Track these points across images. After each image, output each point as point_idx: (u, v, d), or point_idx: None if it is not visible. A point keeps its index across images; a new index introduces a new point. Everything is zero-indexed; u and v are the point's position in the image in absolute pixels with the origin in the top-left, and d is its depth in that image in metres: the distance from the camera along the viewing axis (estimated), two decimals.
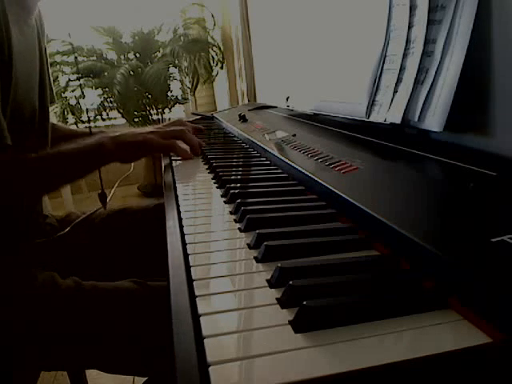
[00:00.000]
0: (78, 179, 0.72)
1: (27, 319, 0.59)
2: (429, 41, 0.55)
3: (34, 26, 0.74)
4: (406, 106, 0.57)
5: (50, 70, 0.85)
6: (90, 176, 0.71)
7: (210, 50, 2.82)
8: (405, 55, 0.60)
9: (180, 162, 0.82)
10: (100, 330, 0.60)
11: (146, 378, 0.70)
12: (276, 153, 0.71)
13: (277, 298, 0.31)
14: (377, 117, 0.64)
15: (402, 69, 0.60)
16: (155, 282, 0.66)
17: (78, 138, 0.69)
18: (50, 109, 0.82)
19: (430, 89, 0.54)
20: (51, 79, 0.85)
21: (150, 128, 0.77)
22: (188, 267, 0.37)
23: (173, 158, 0.85)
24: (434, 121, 0.52)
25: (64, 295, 0.62)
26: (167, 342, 0.28)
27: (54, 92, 0.89)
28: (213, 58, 2.83)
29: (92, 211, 0.88)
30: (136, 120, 2.76)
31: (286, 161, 0.65)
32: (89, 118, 2.64)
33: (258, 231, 0.41)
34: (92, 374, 1.24)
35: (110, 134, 0.70)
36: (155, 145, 0.72)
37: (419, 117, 0.55)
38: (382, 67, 0.65)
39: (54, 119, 2.56)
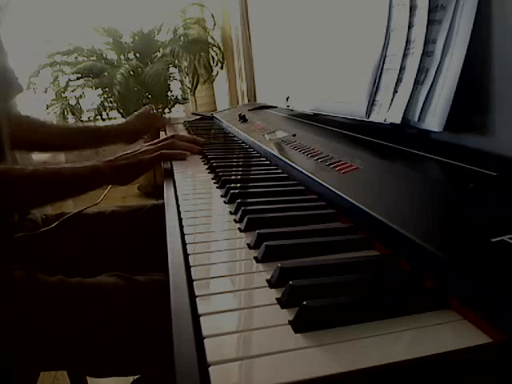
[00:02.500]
0: (68, 198, 0.73)
1: (7, 319, 0.58)
2: (429, 41, 0.55)
3: None
4: (406, 106, 0.57)
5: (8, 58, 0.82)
6: None
7: (210, 50, 2.82)
8: (405, 55, 0.60)
9: (180, 162, 0.82)
10: (87, 327, 0.59)
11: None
12: (276, 153, 0.71)
13: (277, 298, 0.31)
14: (377, 117, 0.64)
15: (402, 69, 0.60)
16: (142, 276, 0.65)
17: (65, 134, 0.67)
18: (50, 109, 0.81)
19: (429, 89, 0.54)
20: (13, 71, 0.82)
21: (140, 146, 0.78)
22: (188, 267, 0.37)
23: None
24: (434, 121, 0.52)
25: (48, 293, 0.61)
26: (157, 339, 0.28)
27: (20, 80, 0.85)
28: (213, 57, 2.83)
29: (79, 209, 0.88)
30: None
31: (286, 161, 0.65)
32: (89, 118, 2.64)
33: (258, 231, 0.41)
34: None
35: (104, 159, 0.71)
36: (149, 161, 0.74)
37: (419, 117, 0.55)
38: (382, 67, 0.65)
39: (54, 119, 2.56)
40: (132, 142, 1.00)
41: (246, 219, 0.45)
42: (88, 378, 1.02)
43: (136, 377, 0.70)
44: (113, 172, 0.70)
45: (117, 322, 0.60)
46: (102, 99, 2.67)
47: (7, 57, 0.80)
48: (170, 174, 0.72)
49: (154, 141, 0.84)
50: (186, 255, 0.39)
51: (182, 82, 2.89)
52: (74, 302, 0.62)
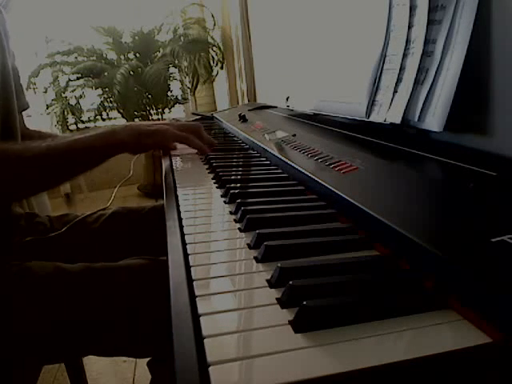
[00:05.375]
0: (87, 171, 0.70)
1: (30, 310, 0.58)
2: (429, 41, 0.55)
3: None
4: (406, 106, 0.57)
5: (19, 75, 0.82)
6: (90, 176, 0.71)
7: (210, 50, 2.83)
8: (405, 55, 0.60)
9: (180, 161, 0.82)
10: (116, 308, 0.60)
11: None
12: (276, 153, 0.71)
13: (277, 298, 0.31)
14: (377, 117, 0.64)
15: (401, 69, 0.60)
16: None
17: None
18: (50, 109, 0.81)
19: (429, 89, 0.54)
20: (21, 84, 0.82)
21: (163, 122, 0.77)
22: (188, 267, 0.37)
23: (173, 154, 0.85)
24: (434, 121, 0.52)
25: (74, 279, 0.62)
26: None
27: (26, 97, 0.86)
28: (213, 57, 2.84)
29: (89, 213, 0.88)
30: (136, 120, 2.76)
31: (286, 161, 0.65)
32: (89, 118, 2.64)
33: (258, 231, 0.41)
34: (92, 374, 1.24)
35: (124, 124, 0.69)
36: (170, 134, 0.71)
37: (419, 117, 0.55)
38: (382, 67, 0.65)
39: (53, 119, 2.56)
40: None
41: (245, 219, 0.45)
42: (88, 377, 1.03)
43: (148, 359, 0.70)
44: (129, 136, 0.67)
45: (149, 299, 0.60)
46: (102, 99, 2.67)
47: (15, 59, 0.80)
48: (170, 174, 0.72)
49: (177, 123, 0.82)
50: (185, 255, 0.39)
51: (181, 82, 2.89)
52: (103, 284, 0.62)
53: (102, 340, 0.61)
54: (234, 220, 0.48)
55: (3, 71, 0.72)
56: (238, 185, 0.60)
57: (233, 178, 0.66)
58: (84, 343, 0.62)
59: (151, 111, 2.82)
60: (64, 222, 0.84)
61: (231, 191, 0.56)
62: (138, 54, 2.82)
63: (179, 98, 2.94)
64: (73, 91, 2.63)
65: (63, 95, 2.61)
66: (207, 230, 0.47)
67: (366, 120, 0.67)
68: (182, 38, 2.81)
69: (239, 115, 1.14)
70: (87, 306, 0.60)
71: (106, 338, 0.61)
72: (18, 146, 0.60)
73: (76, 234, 0.82)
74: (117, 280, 0.63)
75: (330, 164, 0.56)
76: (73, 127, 2.63)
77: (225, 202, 0.56)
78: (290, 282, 0.30)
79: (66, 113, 2.57)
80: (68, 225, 0.82)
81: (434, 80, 0.53)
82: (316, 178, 0.53)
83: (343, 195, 0.45)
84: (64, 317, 0.59)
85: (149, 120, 2.79)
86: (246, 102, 2.27)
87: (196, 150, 0.83)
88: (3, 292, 0.60)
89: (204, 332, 0.27)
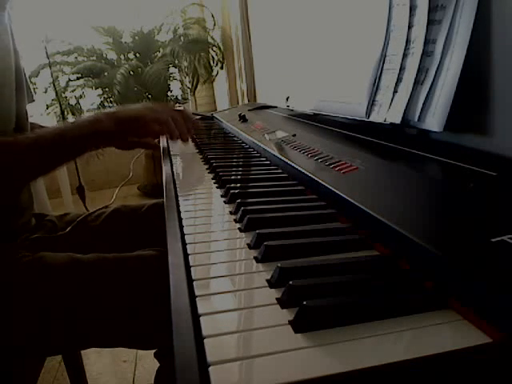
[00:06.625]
0: (74, 159, 0.72)
1: (39, 302, 0.59)
2: (429, 41, 0.55)
3: (6, 24, 0.72)
4: (406, 106, 0.57)
5: (25, 70, 0.83)
6: (90, 176, 0.72)
7: (210, 50, 2.82)
8: (405, 55, 0.60)
9: (180, 161, 0.82)
10: (129, 296, 0.61)
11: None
12: (276, 153, 0.71)
13: (277, 298, 0.31)
14: (377, 117, 0.64)
15: (401, 69, 0.60)
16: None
17: None
18: (50, 109, 0.82)
19: (429, 89, 0.54)
20: (27, 79, 0.84)
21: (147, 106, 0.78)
22: (188, 267, 0.37)
23: (171, 149, 0.85)
24: (434, 121, 0.52)
25: (87, 267, 0.64)
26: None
27: (32, 90, 0.88)
28: (213, 57, 2.83)
29: (92, 211, 0.88)
30: None
31: (286, 161, 0.65)
32: None
33: (257, 231, 0.41)
34: (92, 374, 1.24)
35: (105, 111, 0.71)
36: (149, 119, 0.73)
37: (419, 117, 0.55)
38: (382, 67, 0.65)
39: (53, 119, 2.56)
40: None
41: (245, 219, 0.45)
42: (88, 377, 1.03)
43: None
44: (113, 123, 0.69)
45: (159, 290, 0.61)
46: (102, 99, 2.67)
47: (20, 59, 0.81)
48: (169, 174, 0.72)
49: (160, 107, 0.82)
50: (186, 255, 0.39)
51: (181, 82, 2.89)
52: (116, 273, 0.63)
53: (107, 329, 0.62)
54: (234, 220, 0.48)
55: (17, 71, 0.73)
56: (238, 185, 0.60)
57: (233, 177, 0.66)
58: (88, 332, 0.62)
59: None
60: (66, 221, 0.85)
61: (231, 191, 0.56)
62: (138, 54, 2.82)
63: (179, 98, 2.94)
64: (73, 91, 2.63)
65: (63, 95, 2.61)
66: (207, 230, 0.47)
67: (366, 120, 0.67)
68: (182, 38, 2.81)
69: (239, 115, 1.14)
70: (97, 295, 0.61)
71: (112, 325, 0.62)
72: (6, 138, 0.61)
73: (78, 232, 0.82)
74: (128, 270, 0.64)
75: (330, 164, 0.56)
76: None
77: (225, 202, 0.56)
78: (290, 282, 0.30)
79: (66, 113, 2.57)
80: (72, 224, 0.82)
81: (433, 80, 0.53)
82: (316, 178, 0.53)
83: (343, 195, 0.45)
84: (74, 304, 0.60)
85: None
86: (246, 102, 2.27)
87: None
88: (9, 280, 0.61)
89: (204, 332, 0.27)
